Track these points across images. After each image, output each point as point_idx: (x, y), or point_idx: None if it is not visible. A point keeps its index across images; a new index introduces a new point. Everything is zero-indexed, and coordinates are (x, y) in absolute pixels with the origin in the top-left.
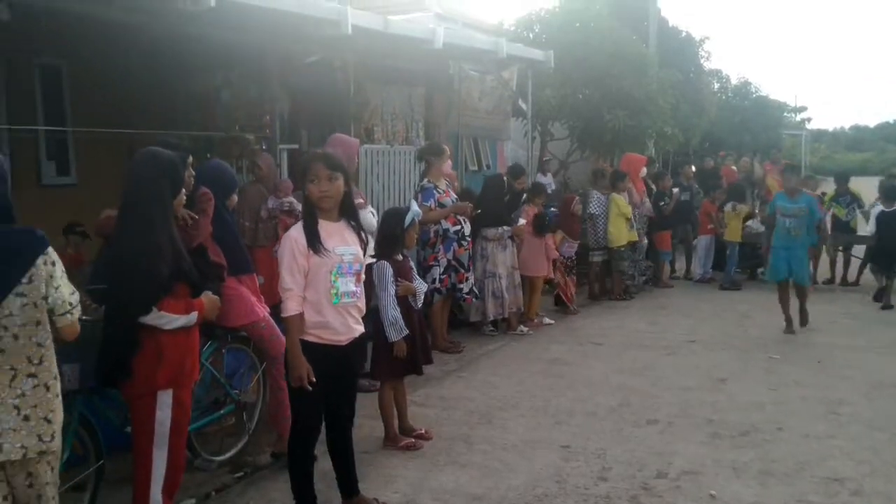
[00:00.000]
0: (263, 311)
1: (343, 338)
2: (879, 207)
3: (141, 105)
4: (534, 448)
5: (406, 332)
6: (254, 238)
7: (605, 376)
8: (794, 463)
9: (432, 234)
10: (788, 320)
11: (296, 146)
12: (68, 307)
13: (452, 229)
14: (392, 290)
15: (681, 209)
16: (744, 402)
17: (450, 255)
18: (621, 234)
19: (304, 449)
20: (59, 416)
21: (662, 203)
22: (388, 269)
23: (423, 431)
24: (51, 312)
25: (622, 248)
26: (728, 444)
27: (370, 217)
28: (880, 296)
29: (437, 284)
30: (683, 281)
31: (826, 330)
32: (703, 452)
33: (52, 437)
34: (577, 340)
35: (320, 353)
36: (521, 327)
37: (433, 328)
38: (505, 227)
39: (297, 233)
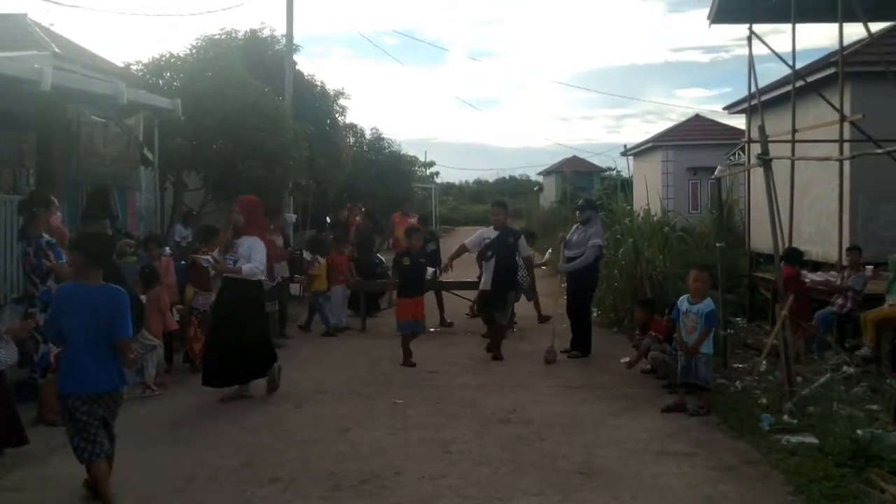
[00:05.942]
0: None
1: None
2: None
3: None
4: None
5: None
6: None
7: (230, 436)
8: None
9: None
10: None
11: None
12: None
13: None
14: None
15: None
16: (366, 450)
17: None
18: None
19: None
20: None
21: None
22: None
23: None
24: None
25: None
26: (349, 495)
27: None
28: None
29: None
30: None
31: (446, 371)
32: None
33: None
34: (206, 397)
35: None
36: (152, 388)
37: (43, 400)
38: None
39: None
